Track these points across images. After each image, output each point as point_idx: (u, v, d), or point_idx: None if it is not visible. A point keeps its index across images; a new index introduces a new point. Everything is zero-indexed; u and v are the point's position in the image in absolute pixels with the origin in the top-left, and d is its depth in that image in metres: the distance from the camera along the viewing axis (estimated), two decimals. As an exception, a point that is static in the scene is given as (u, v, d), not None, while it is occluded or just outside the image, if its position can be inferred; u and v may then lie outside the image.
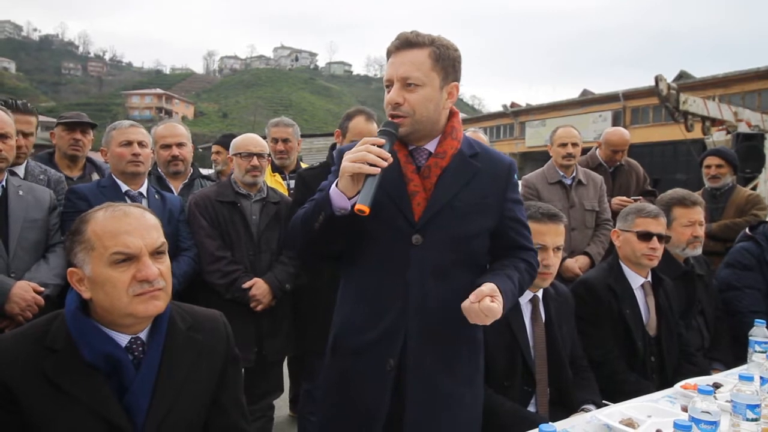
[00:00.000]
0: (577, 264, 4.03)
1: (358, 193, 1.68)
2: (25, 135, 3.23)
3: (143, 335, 1.62)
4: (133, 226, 1.58)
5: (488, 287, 1.70)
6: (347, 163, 1.68)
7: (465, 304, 1.70)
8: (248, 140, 3.38)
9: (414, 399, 1.84)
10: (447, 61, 1.83)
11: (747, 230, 3.70)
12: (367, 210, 1.63)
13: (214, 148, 5.26)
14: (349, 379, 1.91)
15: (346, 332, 1.94)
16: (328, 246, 1.88)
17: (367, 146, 1.69)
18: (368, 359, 1.87)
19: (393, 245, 1.84)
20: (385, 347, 1.85)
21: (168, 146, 3.60)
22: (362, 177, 1.68)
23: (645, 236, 2.93)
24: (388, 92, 1.84)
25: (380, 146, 1.70)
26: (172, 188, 3.62)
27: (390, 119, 1.82)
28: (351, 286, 1.96)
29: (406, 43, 1.82)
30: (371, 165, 1.66)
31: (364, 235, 1.84)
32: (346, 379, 1.92)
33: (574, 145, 4.30)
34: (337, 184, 1.73)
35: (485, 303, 1.66)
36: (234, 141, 3.44)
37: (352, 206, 1.67)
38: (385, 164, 1.68)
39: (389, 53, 1.86)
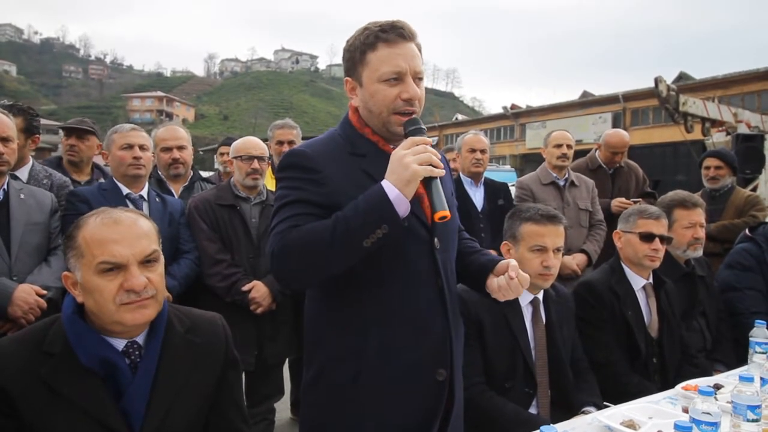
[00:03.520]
0: (575, 261, 4.06)
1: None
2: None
3: (140, 339, 1.62)
4: (121, 234, 1.56)
5: (513, 261, 1.78)
6: (418, 167, 1.55)
7: (501, 281, 1.75)
8: (249, 143, 3.39)
9: (457, 401, 1.86)
10: None
11: (747, 231, 3.70)
12: (449, 215, 1.58)
13: (222, 149, 5.30)
14: (383, 404, 1.74)
15: (381, 358, 1.73)
16: (343, 268, 1.65)
17: (427, 147, 1.59)
18: (415, 376, 1.75)
19: (420, 254, 1.76)
20: (436, 360, 1.77)
21: (168, 149, 3.61)
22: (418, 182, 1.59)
23: (647, 237, 2.94)
24: (394, 85, 1.71)
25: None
26: (173, 191, 3.63)
27: (404, 115, 1.72)
28: (374, 308, 1.73)
29: (409, 34, 1.74)
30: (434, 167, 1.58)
31: (389, 249, 1.66)
32: (376, 406, 1.74)
33: (569, 146, 4.39)
34: (393, 190, 1.56)
35: (523, 275, 1.73)
36: (234, 144, 3.45)
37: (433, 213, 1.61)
38: (443, 166, 1.62)
39: (385, 41, 1.71)
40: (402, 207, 1.57)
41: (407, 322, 1.74)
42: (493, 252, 3.71)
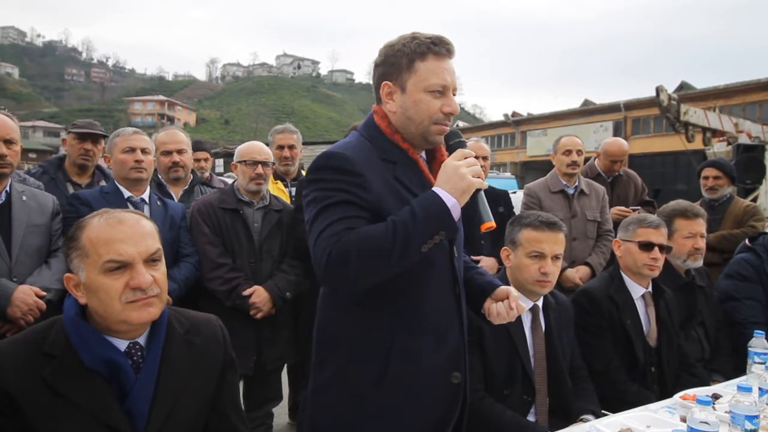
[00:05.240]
0: (578, 274, 4.02)
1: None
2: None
3: (142, 340, 1.63)
4: (126, 233, 1.57)
5: (514, 291, 1.87)
6: (473, 179, 1.65)
7: (501, 309, 1.83)
8: (253, 148, 3.39)
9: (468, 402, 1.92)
10: None
11: (747, 241, 3.71)
12: (495, 225, 1.67)
13: (202, 154, 5.04)
14: (404, 406, 1.77)
15: (403, 361, 1.75)
16: (397, 272, 1.67)
17: (475, 160, 1.69)
18: (434, 379, 1.80)
19: (441, 261, 1.81)
20: (453, 363, 1.83)
21: (169, 153, 3.62)
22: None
23: (646, 246, 2.94)
24: (438, 98, 1.77)
25: None
26: (173, 194, 3.63)
27: (442, 127, 1.80)
28: (399, 311, 1.76)
29: (453, 51, 1.82)
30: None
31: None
32: (397, 408, 1.76)
33: (579, 152, 4.29)
34: (450, 199, 1.63)
35: (521, 305, 1.85)
36: (239, 149, 3.46)
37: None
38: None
39: (436, 54, 1.77)
40: (456, 215, 1.65)
41: (429, 325, 1.79)
42: (492, 260, 3.75)
